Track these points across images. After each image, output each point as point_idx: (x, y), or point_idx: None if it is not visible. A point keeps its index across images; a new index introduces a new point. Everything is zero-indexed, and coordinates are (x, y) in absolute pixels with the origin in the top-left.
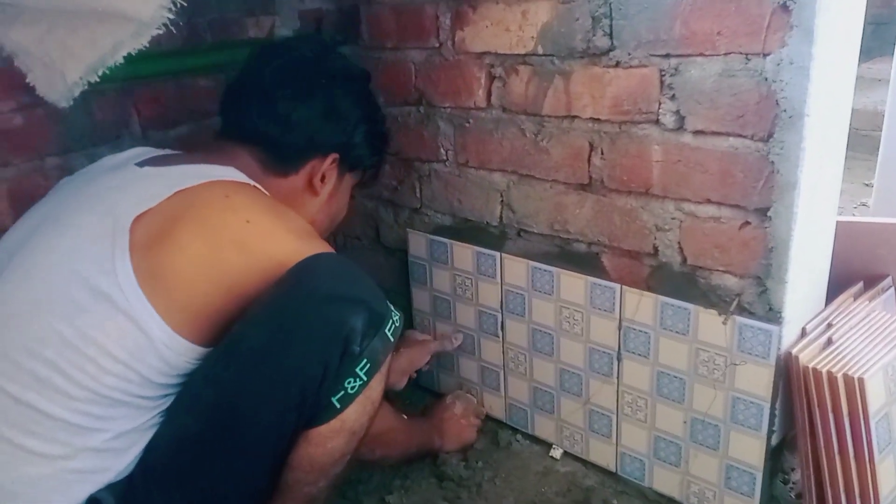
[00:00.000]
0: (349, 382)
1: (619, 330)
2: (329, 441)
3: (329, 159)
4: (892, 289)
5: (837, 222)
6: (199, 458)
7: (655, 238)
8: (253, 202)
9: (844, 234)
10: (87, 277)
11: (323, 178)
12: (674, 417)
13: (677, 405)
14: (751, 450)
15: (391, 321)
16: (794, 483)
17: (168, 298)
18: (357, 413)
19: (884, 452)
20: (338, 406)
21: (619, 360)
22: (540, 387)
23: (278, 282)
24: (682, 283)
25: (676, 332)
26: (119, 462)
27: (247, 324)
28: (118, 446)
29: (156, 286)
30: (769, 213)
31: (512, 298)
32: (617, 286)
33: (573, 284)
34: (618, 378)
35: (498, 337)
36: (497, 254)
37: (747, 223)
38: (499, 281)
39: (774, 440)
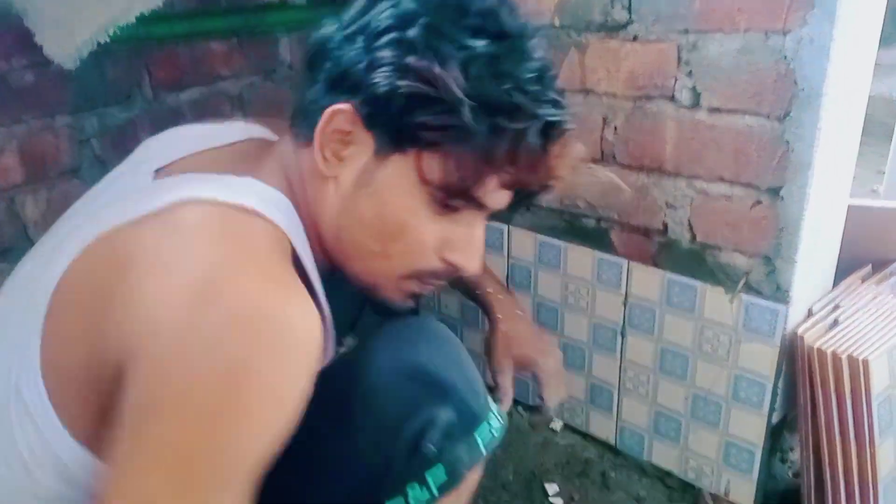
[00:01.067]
0: (412, 489)
1: (625, 306)
2: None
3: (342, 110)
4: None
5: (849, 205)
6: None
7: (665, 215)
8: (197, 239)
9: (855, 217)
10: (10, 362)
11: (341, 150)
12: (676, 393)
13: (680, 381)
14: (751, 428)
15: (487, 426)
16: (792, 462)
17: (63, 394)
18: None
19: (884, 435)
20: None
21: (623, 335)
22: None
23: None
24: (690, 260)
25: (682, 308)
26: None
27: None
28: None
29: (53, 373)
30: (781, 193)
31: (518, 272)
32: (624, 262)
33: (580, 259)
34: (621, 353)
35: None
36: (505, 226)
37: (759, 202)
38: (505, 254)
39: (775, 419)
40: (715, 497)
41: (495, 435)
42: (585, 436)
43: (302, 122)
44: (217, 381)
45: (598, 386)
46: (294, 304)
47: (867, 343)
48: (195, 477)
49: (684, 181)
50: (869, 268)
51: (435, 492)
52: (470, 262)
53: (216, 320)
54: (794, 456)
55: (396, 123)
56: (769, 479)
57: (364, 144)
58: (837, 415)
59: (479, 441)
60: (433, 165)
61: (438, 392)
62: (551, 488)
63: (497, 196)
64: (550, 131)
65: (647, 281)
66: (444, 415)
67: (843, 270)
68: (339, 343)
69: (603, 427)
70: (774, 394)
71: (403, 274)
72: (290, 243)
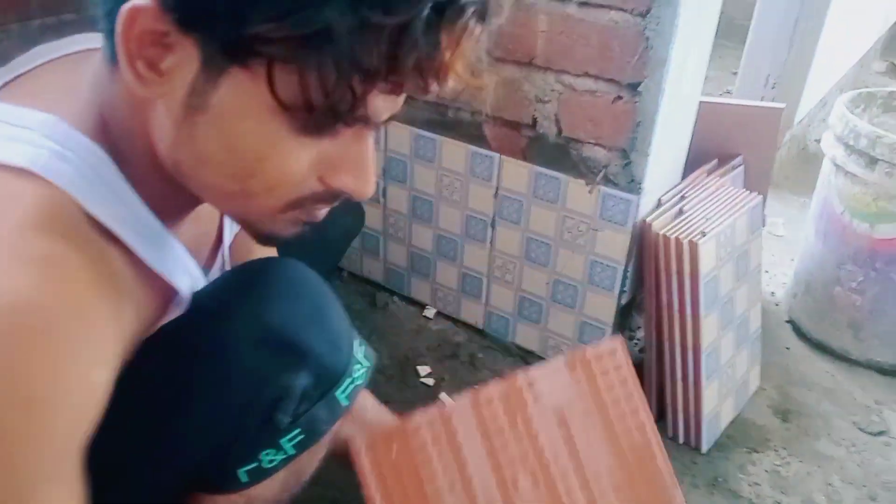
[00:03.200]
0: (267, 455)
1: (496, 198)
2: None
3: (139, 8)
4: (742, 167)
5: (700, 102)
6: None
7: (535, 109)
8: None
9: (706, 114)
10: None
11: (158, 60)
12: (538, 279)
13: (542, 268)
14: (603, 308)
15: (349, 380)
16: (638, 340)
17: None
18: (272, 489)
19: (709, 310)
20: (244, 480)
21: (493, 226)
22: (417, 251)
23: (215, 285)
24: (556, 154)
25: (547, 200)
26: None
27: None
28: None
29: None
30: (640, 89)
31: (394, 165)
32: (496, 156)
33: (455, 153)
34: (491, 243)
35: (379, 203)
36: None
37: (619, 97)
38: (382, 148)
39: (624, 300)
40: None
41: (359, 383)
42: (456, 321)
43: (104, 32)
44: None
45: (468, 275)
46: (47, 283)
47: (702, 229)
48: None
49: (553, 76)
50: (715, 161)
51: (292, 451)
52: (361, 184)
53: None
54: (641, 334)
55: (223, 29)
56: None
57: (186, 53)
58: (677, 294)
59: (341, 396)
60: (288, 82)
61: (293, 358)
62: (423, 370)
63: (381, 106)
64: (442, 17)
65: (517, 174)
66: (301, 381)
67: (693, 164)
68: None
69: (472, 313)
70: (624, 277)
71: (278, 208)
72: (82, 209)
